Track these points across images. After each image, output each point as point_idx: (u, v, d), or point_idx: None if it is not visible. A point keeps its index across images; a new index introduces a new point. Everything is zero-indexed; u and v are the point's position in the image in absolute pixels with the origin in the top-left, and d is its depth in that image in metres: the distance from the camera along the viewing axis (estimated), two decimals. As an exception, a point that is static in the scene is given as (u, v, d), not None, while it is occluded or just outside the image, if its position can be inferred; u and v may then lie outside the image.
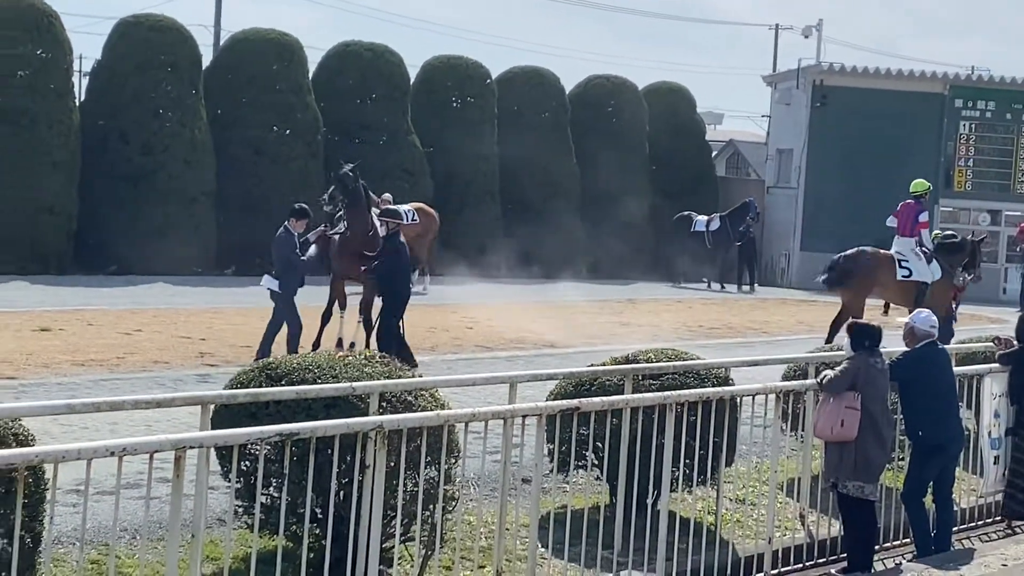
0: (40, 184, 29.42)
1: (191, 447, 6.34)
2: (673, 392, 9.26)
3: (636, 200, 40.48)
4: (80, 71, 41.67)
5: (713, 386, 10.21)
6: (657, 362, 10.61)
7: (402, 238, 17.52)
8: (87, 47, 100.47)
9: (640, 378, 10.31)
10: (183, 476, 6.24)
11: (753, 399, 9.91)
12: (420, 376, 9.43)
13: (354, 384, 8.37)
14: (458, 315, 25.01)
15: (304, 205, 17.51)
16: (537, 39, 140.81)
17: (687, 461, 9.55)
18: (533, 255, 38.61)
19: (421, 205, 29.12)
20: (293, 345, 16.01)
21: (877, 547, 10.14)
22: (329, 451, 7.17)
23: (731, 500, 10.57)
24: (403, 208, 27.71)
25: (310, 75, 35.52)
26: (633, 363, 10.59)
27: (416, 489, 7.87)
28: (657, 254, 40.55)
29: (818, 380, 9.91)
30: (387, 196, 28.08)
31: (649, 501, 9.34)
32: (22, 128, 29.30)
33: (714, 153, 49.96)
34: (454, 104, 38.14)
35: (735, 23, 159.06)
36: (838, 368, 9.78)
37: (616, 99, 41.82)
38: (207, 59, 35.56)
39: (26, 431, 7.04)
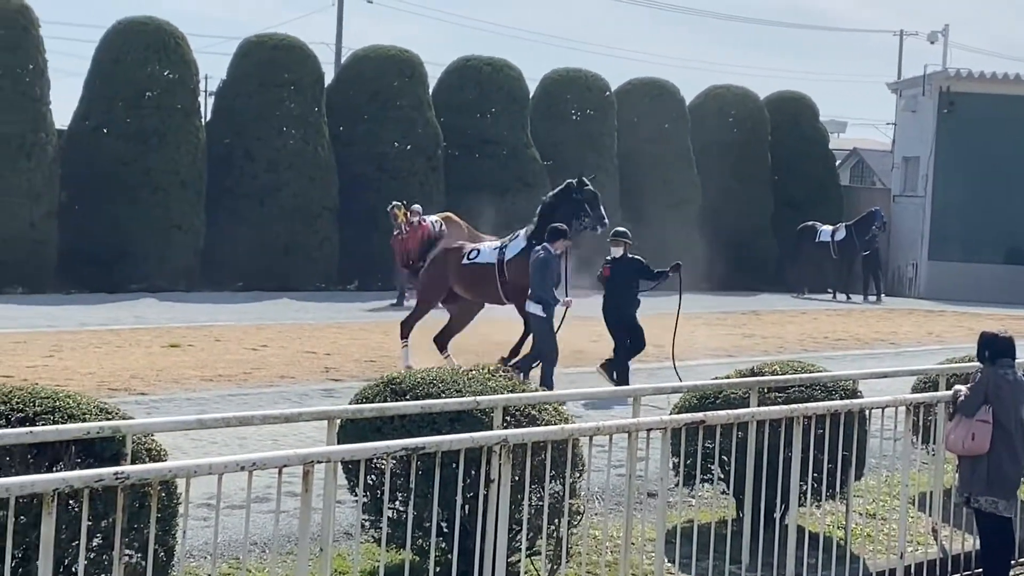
0: (169, 202, 29.96)
1: (319, 461, 6.38)
2: (800, 405, 9.14)
3: (758, 211, 40.22)
4: (206, 91, 42.39)
5: (841, 399, 10.07)
6: (783, 374, 10.49)
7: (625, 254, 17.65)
8: (212, 67, 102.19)
9: (766, 391, 10.20)
10: (311, 490, 6.28)
11: (882, 412, 9.75)
12: (543, 390, 9.42)
13: (478, 398, 8.37)
14: (581, 329, 24.97)
15: (564, 226, 16.98)
16: (657, 50, 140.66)
17: (815, 475, 9.42)
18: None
19: (448, 215, 28.94)
20: (547, 377, 15.76)
21: (1013, 562, 9.93)
22: (454, 465, 7.18)
23: (861, 514, 10.42)
24: (430, 219, 27.60)
25: (430, 90, 35.75)
26: (758, 376, 10.49)
27: (541, 503, 7.85)
28: (780, 265, 40.21)
29: (952, 400, 9.72)
30: (417, 207, 27.87)
31: (777, 515, 9.25)
32: (150, 148, 29.85)
33: (838, 162, 49.45)
34: (574, 117, 38.14)
35: (859, 30, 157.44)
36: (968, 385, 9.60)
37: (737, 109, 41.55)
38: (329, 76, 36.00)
39: (158, 446, 7.15)
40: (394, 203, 28.21)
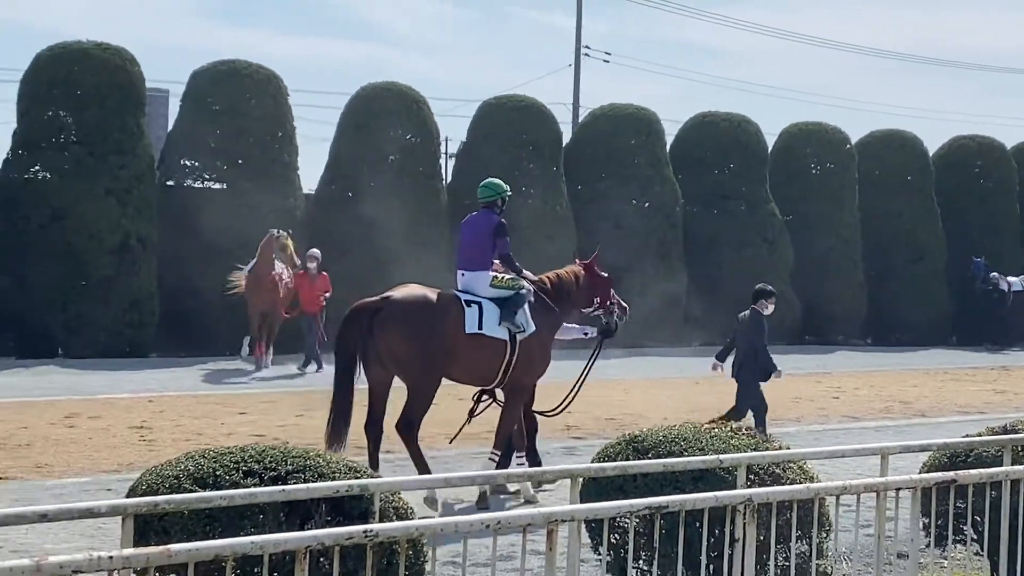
0: (414, 264, 30.37)
1: (563, 520, 6.39)
2: (1057, 463, 8.81)
3: (1007, 263, 39.06)
4: (446, 153, 43.21)
5: (1103, 457, 9.67)
6: (1038, 432, 10.13)
7: None
8: (452, 129, 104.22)
9: (1020, 449, 9.86)
10: (555, 549, 6.29)
11: None
12: (787, 448, 9.28)
13: (721, 456, 8.28)
14: (823, 384, 24.60)
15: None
16: (897, 101, 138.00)
17: (1075, 536, 9.05)
18: (897, 322, 37.71)
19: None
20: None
21: None
22: (698, 524, 7.12)
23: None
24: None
25: (668, 147, 35.78)
26: (1012, 433, 10.14)
27: (787, 563, 7.72)
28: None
29: None
30: (315, 252, 26.44)
31: (1034, 578, 8.89)
32: (393, 210, 30.40)
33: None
34: (813, 171, 37.75)
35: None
36: None
37: (983, 159, 40.52)
38: (567, 136, 36.34)
39: (405, 504, 7.26)
40: (279, 233, 25.90)
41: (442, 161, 35.23)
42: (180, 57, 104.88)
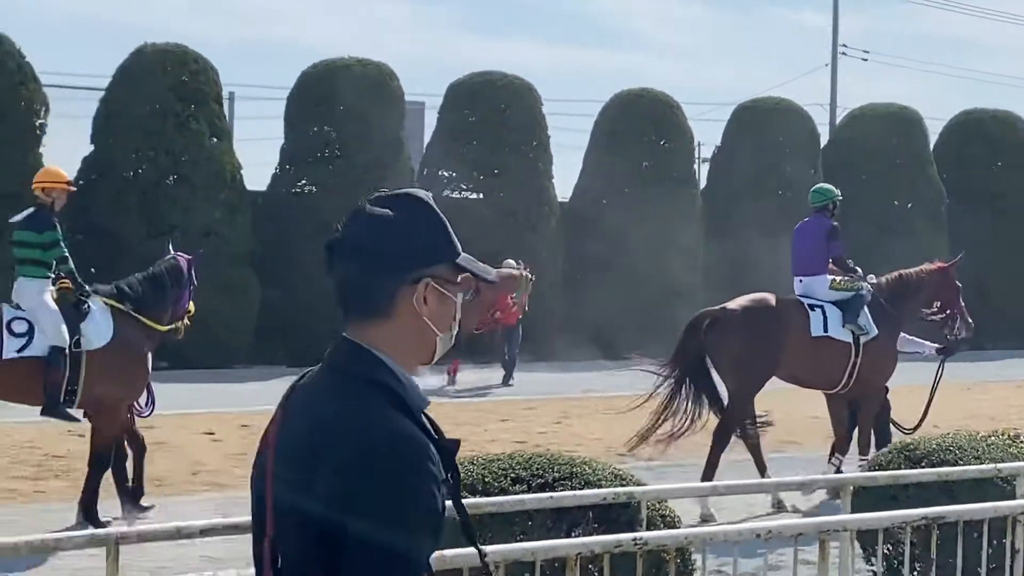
0: (667, 270, 30.24)
1: (834, 531, 6.26)
2: None
3: None
4: (699, 158, 42.97)
5: None
6: None
7: None
8: (705, 133, 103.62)
9: None
10: (827, 560, 6.17)
11: None
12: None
13: (999, 465, 8.04)
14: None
15: None
16: None
17: None
18: None
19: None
20: None
21: None
22: (976, 535, 6.89)
23: None
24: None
25: (931, 146, 34.91)
26: None
27: (1072, 577, 7.41)
28: None
29: None
30: (510, 263, 24.29)
31: None
32: (648, 217, 30.18)
33: None
34: (1090, 165, 36.34)
35: None
36: None
37: None
38: (824, 137, 35.74)
39: (672, 512, 7.21)
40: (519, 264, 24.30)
41: (696, 166, 35.00)
42: (437, 69, 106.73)
